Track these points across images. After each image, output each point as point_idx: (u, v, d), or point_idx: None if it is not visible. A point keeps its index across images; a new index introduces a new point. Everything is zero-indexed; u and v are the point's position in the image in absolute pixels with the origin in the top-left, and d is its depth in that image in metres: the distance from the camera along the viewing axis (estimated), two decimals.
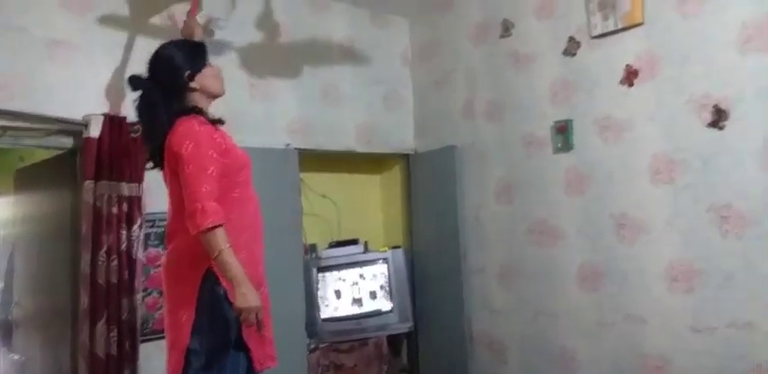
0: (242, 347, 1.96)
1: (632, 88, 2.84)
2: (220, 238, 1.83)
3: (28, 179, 3.57)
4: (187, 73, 2.07)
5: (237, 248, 1.89)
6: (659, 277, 2.70)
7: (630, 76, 2.85)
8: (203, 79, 2.10)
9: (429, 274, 3.89)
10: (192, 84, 2.08)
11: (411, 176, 4.09)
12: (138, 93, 2.09)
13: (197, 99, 2.09)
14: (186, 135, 1.94)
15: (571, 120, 3.11)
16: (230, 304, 1.89)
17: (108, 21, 3.02)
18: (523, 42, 3.39)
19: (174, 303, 1.97)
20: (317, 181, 3.95)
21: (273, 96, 3.56)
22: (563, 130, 3.14)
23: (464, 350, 3.58)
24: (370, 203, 4.37)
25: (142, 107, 2.08)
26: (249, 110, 3.39)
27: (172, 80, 2.06)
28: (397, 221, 4.22)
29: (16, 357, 3.45)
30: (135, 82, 2.07)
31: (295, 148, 3.57)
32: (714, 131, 2.54)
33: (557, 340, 3.13)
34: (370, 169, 4.39)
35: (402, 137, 4.10)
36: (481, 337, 3.55)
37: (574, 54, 3.11)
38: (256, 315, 1.85)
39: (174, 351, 1.94)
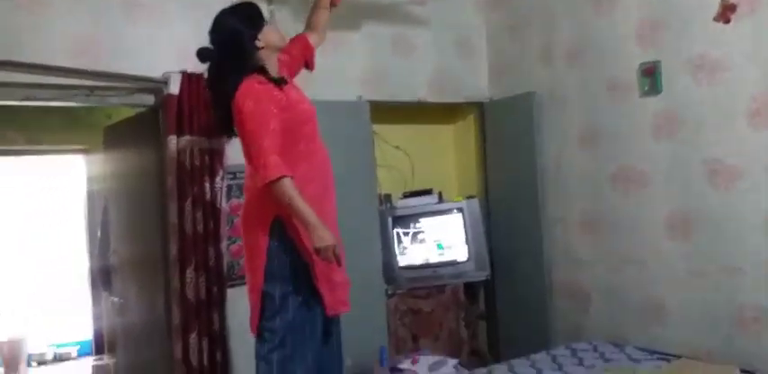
0: (315, 293, 2.03)
1: (728, 25, 2.62)
2: (288, 187, 1.90)
3: (115, 136, 3.74)
4: (250, 34, 2.11)
5: (307, 199, 1.96)
6: (757, 226, 2.55)
7: (726, 12, 2.62)
8: (266, 36, 2.14)
9: (506, 223, 3.85)
10: (258, 44, 2.12)
11: (486, 124, 4.00)
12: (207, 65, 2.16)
13: (264, 56, 2.14)
14: (246, 94, 2.00)
15: (659, 62, 2.92)
16: (299, 252, 1.97)
17: None
18: None
19: (250, 250, 2.09)
20: (389, 132, 3.92)
21: (344, 48, 3.51)
22: (650, 73, 2.96)
23: (544, 298, 3.55)
24: (444, 153, 4.32)
25: (212, 79, 2.16)
26: (320, 63, 3.29)
27: (238, 46, 2.10)
28: (471, 171, 4.17)
29: (116, 299, 3.72)
30: (203, 54, 2.14)
31: (367, 100, 3.54)
32: None
33: (643, 290, 3.04)
34: (444, 119, 4.31)
35: (476, 85, 3.99)
36: (562, 286, 3.51)
37: None
38: (334, 251, 1.93)
39: (252, 295, 2.07)
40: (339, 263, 1.99)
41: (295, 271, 2.02)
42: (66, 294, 5.54)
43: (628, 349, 2.78)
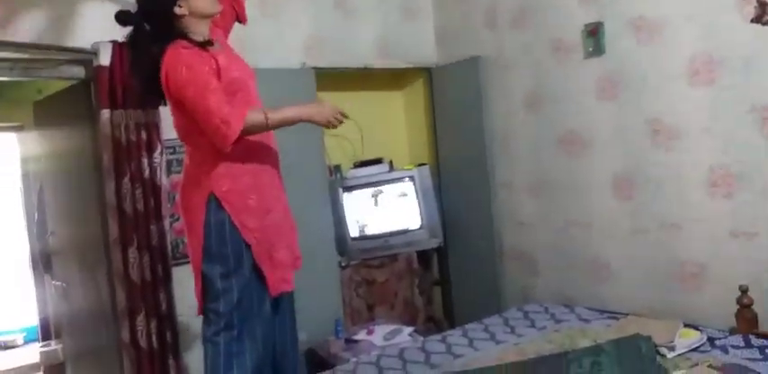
0: (258, 271, 1.97)
1: None
2: (256, 119, 1.85)
3: (46, 112, 3.54)
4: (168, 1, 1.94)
5: (242, 174, 1.90)
6: (697, 183, 2.60)
7: None
8: (190, 3, 1.95)
9: (456, 190, 3.84)
10: (179, 10, 1.95)
11: (434, 90, 3.95)
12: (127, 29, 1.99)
13: (188, 24, 1.97)
14: (175, 62, 1.87)
15: (602, 23, 2.90)
16: (237, 230, 1.90)
17: None
18: None
19: (188, 228, 2.00)
20: (336, 100, 3.73)
21: (285, 13, 3.39)
22: (594, 33, 2.94)
23: (494, 262, 3.59)
24: (394, 121, 4.26)
25: (131, 44, 2.00)
26: (260, 29, 3.23)
27: (156, 13, 1.95)
28: (422, 138, 4.13)
29: (58, 283, 3.58)
30: (122, 17, 1.97)
31: (311, 67, 3.43)
32: (758, 27, 2.34)
33: (589, 249, 3.10)
34: (392, 85, 4.24)
35: (422, 50, 3.91)
36: (511, 250, 3.55)
37: None
38: (337, 115, 1.97)
39: (195, 276, 1.98)
40: (346, 116, 2.00)
41: (235, 249, 1.93)
42: (6, 279, 5.32)
43: (577, 309, 2.83)
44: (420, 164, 3.85)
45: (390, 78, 4.13)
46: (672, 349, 2.15)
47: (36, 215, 4.42)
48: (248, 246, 1.93)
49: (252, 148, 1.98)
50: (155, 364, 2.78)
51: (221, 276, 1.92)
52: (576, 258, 3.17)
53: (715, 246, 2.57)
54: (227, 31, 2.25)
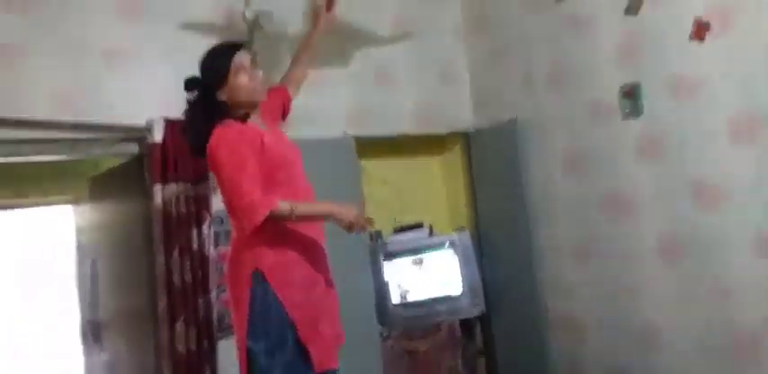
0: (302, 348, 1.95)
1: (704, 43, 2.63)
2: (282, 210, 1.87)
3: (101, 186, 3.70)
4: (208, 88, 2.01)
5: (287, 248, 1.93)
6: (746, 246, 2.50)
7: (701, 30, 2.63)
8: (231, 91, 2.00)
9: (498, 255, 3.78)
10: (220, 95, 2.01)
11: (472, 155, 3.98)
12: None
13: (234, 108, 2.03)
14: (218, 141, 1.93)
15: (639, 84, 2.92)
16: (280, 305, 1.91)
17: (160, 25, 3.06)
18: (580, 5, 3.19)
19: (234, 303, 2.01)
20: (377, 166, 3.89)
21: (327, 85, 3.51)
22: (631, 94, 2.95)
23: (540, 331, 3.47)
24: (433, 186, 4.28)
25: (185, 116, 2.09)
26: (303, 101, 3.33)
27: (201, 97, 2.03)
28: (461, 203, 4.12)
29: (105, 356, 3.61)
30: (190, 84, 2.05)
31: (352, 136, 3.52)
32: None
33: (639, 317, 2.97)
34: (430, 150, 4.29)
35: (460, 115, 3.98)
36: (557, 317, 3.44)
37: (636, 12, 2.90)
38: (361, 220, 1.93)
39: (240, 350, 1.97)
40: (371, 224, 1.98)
41: (279, 325, 1.92)
42: (58, 349, 5.39)
43: None
44: (460, 229, 3.82)
45: (428, 143, 4.19)
46: None
47: (89, 286, 4.53)
48: (292, 322, 1.93)
49: (300, 226, 2.01)
50: None
51: (266, 352, 1.91)
52: (625, 326, 3.05)
53: None
54: (275, 122, 2.30)
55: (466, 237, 3.70)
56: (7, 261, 5.54)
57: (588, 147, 3.21)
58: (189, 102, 2.06)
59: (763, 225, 2.45)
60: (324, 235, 2.14)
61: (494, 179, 3.80)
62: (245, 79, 2.01)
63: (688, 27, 2.67)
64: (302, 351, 1.95)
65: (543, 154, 3.48)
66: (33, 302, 5.52)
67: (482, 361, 3.92)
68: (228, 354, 2.76)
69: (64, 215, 5.31)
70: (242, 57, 2.03)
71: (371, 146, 3.70)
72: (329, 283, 2.10)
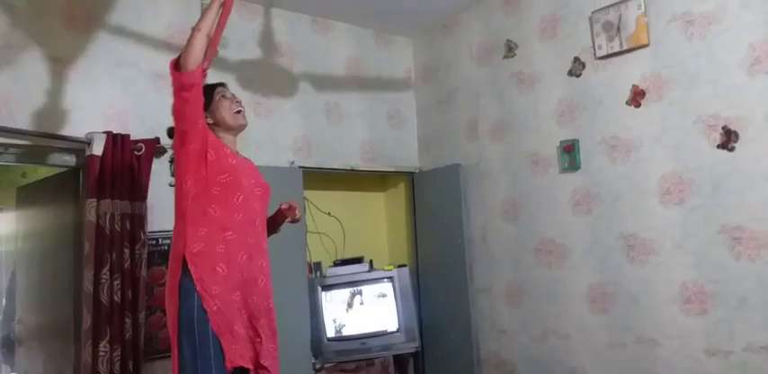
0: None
1: (639, 109, 2.85)
2: (191, 43, 1.93)
3: (30, 196, 3.56)
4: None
5: (218, 243, 1.94)
6: (671, 299, 2.68)
7: (637, 97, 2.85)
8: (215, 112, 2.11)
9: (435, 293, 3.85)
10: (207, 119, 2.07)
11: (416, 194, 4.08)
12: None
13: (218, 133, 2.10)
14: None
15: (578, 140, 3.10)
16: (198, 295, 1.89)
17: (110, 38, 3.03)
18: (528, 63, 3.40)
19: (167, 293, 1.99)
20: (321, 199, 3.93)
21: (277, 115, 3.56)
22: (569, 150, 3.13)
23: (472, 370, 3.53)
24: (375, 221, 4.35)
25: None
26: (253, 128, 3.30)
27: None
28: (402, 239, 4.20)
29: None
30: (170, 132, 2.11)
31: (299, 166, 3.56)
32: (724, 153, 2.54)
33: (566, 361, 3.09)
34: (375, 187, 4.38)
35: (406, 155, 4.10)
36: (489, 357, 3.51)
37: (579, 74, 3.12)
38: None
39: (173, 346, 1.93)
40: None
41: (200, 316, 1.89)
42: None
43: None
44: (400, 266, 3.87)
45: (374, 179, 4.28)
46: None
47: (4, 300, 4.28)
48: (205, 313, 1.89)
49: (236, 227, 2.01)
50: None
51: (188, 346, 1.88)
52: (552, 369, 3.15)
53: (691, 363, 2.59)
54: None
55: (405, 274, 3.75)
56: None
57: (527, 195, 3.36)
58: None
59: (688, 279, 2.63)
60: (263, 253, 2.12)
61: (435, 219, 3.90)
62: (227, 102, 2.15)
63: (626, 93, 2.89)
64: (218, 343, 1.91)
65: (484, 198, 3.62)
66: None
67: None
68: None
69: None
70: (224, 89, 2.20)
71: (318, 178, 3.74)
72: (263, 299, 2.07)
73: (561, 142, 3.18)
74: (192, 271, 1.91)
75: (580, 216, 3.09)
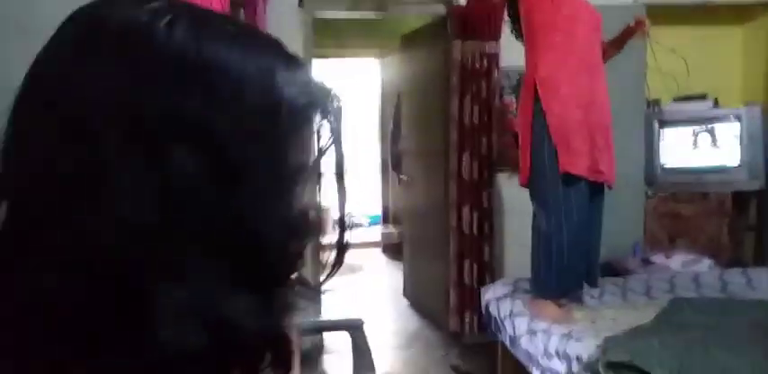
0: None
1: None
2: None
3: (410, 42, 4.34)
4: None
5: (565, 68, 2.28)
6: None
7: None
8: None
9: None
10: None
11: None
12: None
13: None
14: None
15: None
16: (543, 114, 2.24)
17: None
18: None
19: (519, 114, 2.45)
20: (666, 34, 3.82)
21: None
22: None
23: None
24: (727, 58, 4.07)
25: None
26: None
27: None
28: (758, 78, 3.89)
29: (404, 177, 4.55)
30: None
31: (643, 3, 3.52)
32: None
33: None
34: (731, 20, 4.03)
35: None
36: None
37: None
38: None
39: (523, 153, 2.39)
40: None
41: (545, 130, 2.25)
42: (360, 178, 6.64)
43: None
44: (751, 104, 3.65)
45: (730, 12, 3.92)
46: None
47: (392, 125, 5.53)
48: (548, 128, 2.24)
49: (577, 52, 2.30)
50: (473, 248, 3.46)
51: (549, 160, 2.25)
52: None
53: None
54: None
55: (756, 112, 3.50)
56: None
57: None
58: None
59: None
60: (604, 81, 2.39)
61: None
62: None
63: None
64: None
65: None
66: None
67: (751, 237, 3.82)
68: (503, 185, 3.37)
69: (371, 68, 6.24)
70: None
71: (665, 13, 3.64)
72: (609, 117, 2.37)
73: None
74: (540, 93, 2.26)
75: None
